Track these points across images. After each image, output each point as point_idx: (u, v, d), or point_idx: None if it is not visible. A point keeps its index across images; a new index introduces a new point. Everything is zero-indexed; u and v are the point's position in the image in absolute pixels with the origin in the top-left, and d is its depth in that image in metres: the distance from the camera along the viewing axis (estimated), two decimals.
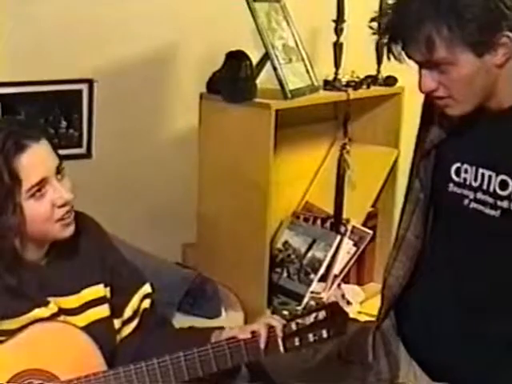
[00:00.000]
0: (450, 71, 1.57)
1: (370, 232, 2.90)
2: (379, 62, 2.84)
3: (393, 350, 1.90)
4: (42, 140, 1.63)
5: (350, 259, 2.87)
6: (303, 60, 2.67)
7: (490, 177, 1.66)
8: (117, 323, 1.79)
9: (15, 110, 2.50)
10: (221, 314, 2.50)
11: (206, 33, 2.79)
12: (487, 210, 1.67)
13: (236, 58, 2.49)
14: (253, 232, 2.59)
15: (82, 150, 2.69)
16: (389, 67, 2.70)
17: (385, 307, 1.93)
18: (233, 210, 2.62)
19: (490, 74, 1.58)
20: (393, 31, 1.61)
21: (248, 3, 2.46)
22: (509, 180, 1.63)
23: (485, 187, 1.67)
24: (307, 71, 2.66)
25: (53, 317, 1.68)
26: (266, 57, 2.53)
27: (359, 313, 2.73)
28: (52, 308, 1.69)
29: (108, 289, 1.78)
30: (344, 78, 2.77)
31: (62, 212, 1.65)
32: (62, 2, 2.54)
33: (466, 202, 1.70)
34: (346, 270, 2.86)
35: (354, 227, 2.86)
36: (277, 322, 1.68)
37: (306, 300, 2.71)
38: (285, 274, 2.82)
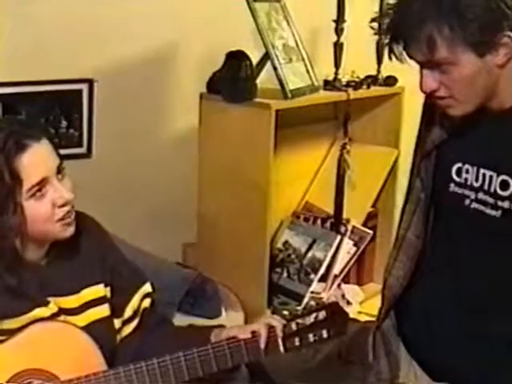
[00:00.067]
0: (452, 71, 1.57)
1: (370, 232, 2.90)
2: (379, 62, 2.84)
3: (393, 350, 1.90)
4: (42, 140, 1.63)
5: (350, 259, 2.87)
6: (303, 60, 2.67)
7: (491, 177, 1.66)
8: (117, 323, 1.78)
9: (16, 110, 2.50)
10: (221, 314, 2.50)
11: (206, 33, 2.79)
12: (488, 211, 1.67)
13: (236, 58, 2.49)
14: (253, 232, 2.59)
15: (83, 150, 2.69)
16: (389, 67, 2.70)
17: (385, 307, 1.93)
18: (233, 210, 2.62)
19: (492, 74, 1.58)
20: (394, 31, 1.61)
21: (248, 3, 2.46)
22: (510, 180, 1.63)
23: (486, 187, 1.67)
24: (307, 71, 2.66)
25: (53, 317, 1.68)
26: (266, 57, 2.53)
27: (359, 313, 2.73)
28: (52, 308, 1.69)
29: (108, 289, 1.78)
30: (344, 77, 2.77)
31: (62, 212, 1.65)
32: (61, 2, 2.54)
33: (467, 202, 1.70)
34: (346, 270, 2.86)
35: (354, 227, 2.86)
36: (277, 322, 1.69)
37: (306, 300, 2.71)
38: (285, 274, 2.82)
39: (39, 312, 1.66)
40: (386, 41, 1.62)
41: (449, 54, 1.55)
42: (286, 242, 2.88)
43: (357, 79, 2.79)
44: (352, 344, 1.93)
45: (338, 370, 1.94)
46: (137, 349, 1.78)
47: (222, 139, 2.59)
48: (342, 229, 2.84)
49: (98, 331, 1.70)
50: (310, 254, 2.82)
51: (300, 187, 3.01)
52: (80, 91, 2.63)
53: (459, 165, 1.72)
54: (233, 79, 2.48)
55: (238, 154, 2.56)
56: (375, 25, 1.75)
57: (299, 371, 1.95)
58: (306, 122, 2.82)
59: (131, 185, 2.81)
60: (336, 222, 2.84)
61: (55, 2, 2.53)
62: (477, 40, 1.53)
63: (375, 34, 1.76)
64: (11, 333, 1.63)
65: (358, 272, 2.98)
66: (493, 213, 1.66)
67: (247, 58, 2.49)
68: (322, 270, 2.78)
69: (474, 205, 1.69)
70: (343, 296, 2.73)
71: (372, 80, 2.83)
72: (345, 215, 2.85)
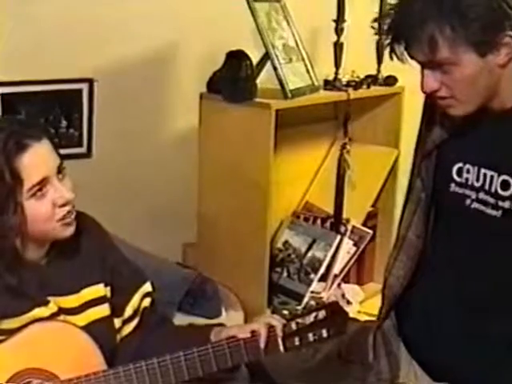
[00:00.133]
0: (453, 71, 1.57)
1: (370, 232, 2.90)
2: (379, 61, 2.84)
3: (393, 349, 1.90)
4: (43, 139, 1.63)
5: (350, 259, 2.87)
6: (303, 60, 2.67)
7: (491, 177, 1.66)
8: (117, 322, 1.78)
9: (15, 110, 2.50)
10: (221, 314, 2.50)
11: (207, 32, 2.79)
12: (489, 211, 1.67)
13: (236, 58, 2.49)
14: (253, 232, 2.59)
15: (83, 150, 2.69)
16: (389, 67, 2.70)
17: (385, 307, 1.93)
18: (233, 210, 2.62)
19: (493, 74, 1.58)
20: (396, 31, 1.61)
21: (248, 3, 2.46)
22: (510, 180, 1.63)
23: (487, 187, 1.67)
24: (307, 71, 2.66)
25: (53, 316, 1.68)
26: (267, 56, 2.53)
27: (359, 312, 2.73)
28: (52, 307, 1.69)
29: (108, 288, 1.78)
30: (344, 77, 2.77)
31: (62, 212, 1.65)
32: (61, 2, 2.54)
33: (468, 202, 1.70)
34: (346, 269, 2.86)
35: (354, 227, 2.86)
36: (277, 322, 1.69)
37: (306, 300, 2.71)
38: (285, 274, 2.82)
39: (39, 312, 1.66)
40: (388, 41, 1.62)
41: (450, 54, 1.55)
42: (286, 242, 2.88)
43: (357, 79, 2.79)
44: (352, 344, 1.93)
45: (337, 370, 1.94)
46: (137, 348, 1.78)
47: (222, 139, 2.59)
48: (342, 228, 2.84)
49: (98, 331, 1.70)
50: (309, 254, 2.82)
51: (300, 187, 3.01)
52: (80, 91, 2.63)
53: (460, 165, 1.72)
54: (233, 79, 2.48)
55: (238, 153, 2.56)
56: (376, 25, 1.75)
57: (299, 371, 1.95)
58: (306, 121, 2.82)
59: (131, 185, 2.81)
60: (336, 222, 2.84)
61: (55, 2, 2.53)
62: (478, 40, 1.53)
63: (376, 34, 1.76)
64: (11, 332, 1.63)
65: (357, 272, 2.98)
66: (493, 213, 1.66)
67: (247, 57, 2.49)
68: (322, 270, 2.78)
69: (475, 205, 1.69)
70: (343, 296, 2.74)
71: (372, 80, 2.84)
72: (345, 215, 2.85)
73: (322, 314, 1.69)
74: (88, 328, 1.69)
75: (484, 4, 1.51)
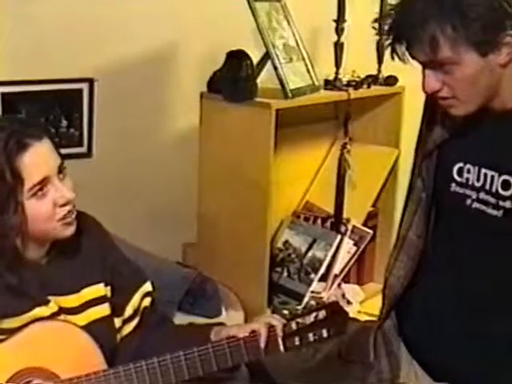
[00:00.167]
0: (454, 71, 1.57)
1: (371, 232, 2.90)
2: (380, 61, 2.84)
3: (394, 349, 1.90)
4: (44, 139, 1.63)
5: (351, 259, 2.87)
6: (304, 59, 2.67)
7: (492, 177, 1.66)
8: (117, 322, 1.78)
9: (16, 109, 2.50)
10: (221, 314, 2.50)
11: (207, 32, 2.79)
12: (489, 210, 1.67)
13: (237, 58, 2.49)
14: (253, 231, 2.59)
15: (83, 150, 2.69)
16: (389, 67, 2.70)
17: (386, 307, 1.93)
18: (233, 210, 2.62)
19: (494, 74, 1.58)
20: (397, 31, 1.60)
21: (249, 2, 2.46)
22: (511, 180, 1.63)
23: (487, 187, 1.67)
24: (308, 71, 2.66)
25: (53, 316, 1.68)
26: (267, 56, 2.53)
27: (359, 312, 2.73)
28: (52, 307, 1.69)
29: (108, 288, 1.78)
30: (345, 77, 2.77)
31: (63, 211, 1.65)
32: (62, 2, 2.54)
33: (469, 201, 1.70)
34: (347, 269, 2.86)
35: (354, 227, 2.86)
36: (277, 322, 1.69)
37: (306, 299, 2.71)
38: (285, 274, 2.82)
39: (39, 311, 1.66)
40: (389, 41, 1.62)
41: (452, 53, 1.55)
42: (286, 242, 2.88)
43: (357, 79, 2.79)
44: (352, 343, 1.93)
45: (337, 370, 1.94)
46: (137, 348, 1.78)
47: (223, 139, 2.60)
48: (343, 228, 2.84)
49: (98, 330, 1.70)
50: (310, 254, 2.82)
51: (300, 187, 3.01)
52: (80, 90, 2.63)
53: (460, 164, 1.72)
54: (233, 79, 2.48)
55: (239, 153, 2.56)
56: (377, 25, 1.75)
57: (299, 371, 1.95)
58: (307, 121, 2.82)
59: (131, 184, 2.81)
60: (336, 222, 2.84)
61: (55, 2, 2.53)
62: (479, 39, 1.53)
63: (377, 34, 1.76)
64: (11, 332, 1.63)
65: (358, 271, 2.98)
66: (494, 213, 1.66)
67: (248, 57, 2.49)
68: (322, 270, 2.78)
69: (476, 205, 1.69)
70: (343, 295, 2.74)
71: (372, 79, 2.84)
72: (345, 215, 2.86)
73: (322, 313, 1.69)
74: (88, 327, 1.69)
75: (485, 3, 1.51)
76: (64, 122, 2.63)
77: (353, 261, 2.88)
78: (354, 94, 2.73)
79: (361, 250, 2.89)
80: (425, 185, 1.81)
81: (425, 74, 1.61)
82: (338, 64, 2.76)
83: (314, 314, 1.69)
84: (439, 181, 1.77)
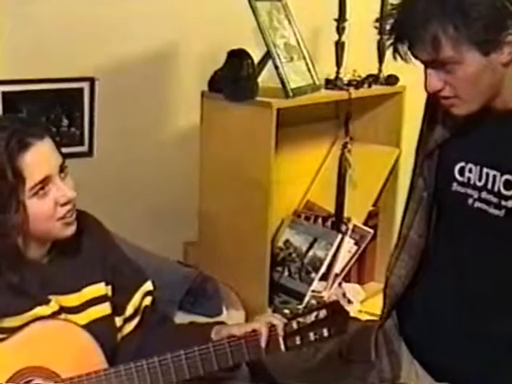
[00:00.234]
0: (456, 70, 1.57)
1: (371, 231, 2.91)
2: (381, 60, 2.84)
3: (395, 349, 1.90)
4: (45, 138, 1.63)
5: (351, 258, 2.87)
6: (305, 59, 2.67)
7: (494, 176, 1.66)
8: (118, 321, 1.78)
9: (17, 108, 2.50)
10: (222, 313, 2.49)
11: (208, 31, 2.79)
12: (491, 210, 1.66)
13: (238, 57, 2.49)
14: (254, 230, 2.59)
15: (84, 149, 2.69)
16: (390, 66, 2.70)
17: (387, 307, 1.93)
18: (234, 209, 2.62)
19: (496, 73, 1.58)
20: (399, 31, 1.60)
21: (250, 2, 2.46)
22: None
23: (489, 187, 1.66)
24: (309, 70, 2.66)
25: (54, 315, 1.68)
26: (268, 55, 2.53)
27: (360, 312, 2.73)
28: (53, 306, 1.69)
29: (109, 287, 1.78)
30: (345, 76, 2.77)
31: (64, 210, 1.65)
32: (62, 2, 2.54)
33: (470, 201, 1.70)
34: (347, 268, 2.86)
35: (355, 226, 2.86)
36: (278, 321, 1.69)
37: (307, 299, 2.71)
38: (286, 273, 2.82)
39: (40, 310, 1.66)
40: (391, 41, 1.62)
41: (454, 53, 1.55)
42: (286, 241, 2.88)
43: (358, 78, 2.79)
44: (353, 343, 1.93)
45: (338, 369, 1.94)
46: (138, 347, 1.78)
47: (224, 138, 2.60)
48: (343, 228, 2.84)
49: (99, 329, 1.70)
50: (310, 253, 2.82)
51: (301, 186, 3.01)
52: (81, 90, 2.63)
53: (462, 164, 1.72)
54: (234, 78, 2.49)
55: (240, 152, 2.56)
56: (378, 25, 1.74)
57: (300, 370, 1.95)
58: (308, 120, 2.82)
59: (132, 183, 2.81)
60: (337, 221, 2.84)
61: (55, 2, 2.53)
62: (481, 39, 1.53)
63: (379, 33, 1.76)
64: (12, 331, 1.63)
65: (358, 271, 2.98)
66: (496, 212, 1.66)
67: (249, 56, 2.49)
68: (323, 269, 2.78)
69: (477, 204, 1.69)
70: (344, 295, 2.74)
71: (373, 79, 2.84)
72: (346, 214, 2.86)
73: (322, 313, 1.69)
74: (89, 327, 1.69)
75: (487, 3, 1.51)
76: (65, 121, 2.63)
77: (353, 260, 2.88)
78: (354, 93, 2.73)
79: (361, 249, 2.89)
80: (426, 184, 1.80)
81: (427, 74, 1.61)
82: (338, 63, 2.76)
83: (314, 314, 1.69)
84: (440, 180, 1.77)
